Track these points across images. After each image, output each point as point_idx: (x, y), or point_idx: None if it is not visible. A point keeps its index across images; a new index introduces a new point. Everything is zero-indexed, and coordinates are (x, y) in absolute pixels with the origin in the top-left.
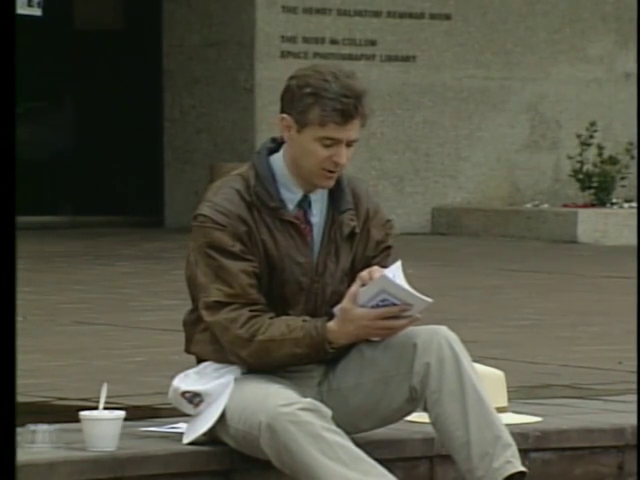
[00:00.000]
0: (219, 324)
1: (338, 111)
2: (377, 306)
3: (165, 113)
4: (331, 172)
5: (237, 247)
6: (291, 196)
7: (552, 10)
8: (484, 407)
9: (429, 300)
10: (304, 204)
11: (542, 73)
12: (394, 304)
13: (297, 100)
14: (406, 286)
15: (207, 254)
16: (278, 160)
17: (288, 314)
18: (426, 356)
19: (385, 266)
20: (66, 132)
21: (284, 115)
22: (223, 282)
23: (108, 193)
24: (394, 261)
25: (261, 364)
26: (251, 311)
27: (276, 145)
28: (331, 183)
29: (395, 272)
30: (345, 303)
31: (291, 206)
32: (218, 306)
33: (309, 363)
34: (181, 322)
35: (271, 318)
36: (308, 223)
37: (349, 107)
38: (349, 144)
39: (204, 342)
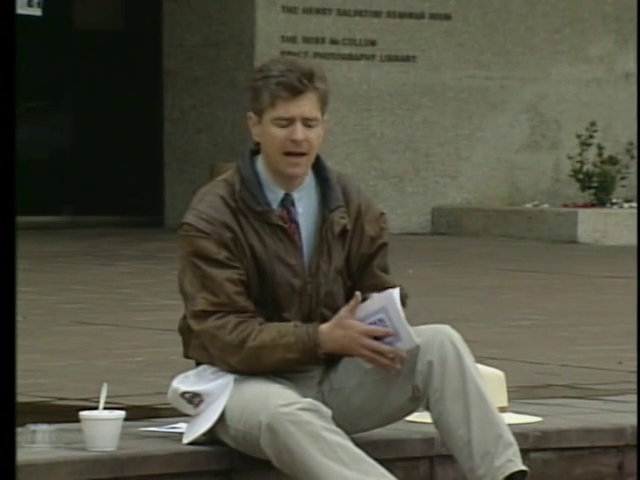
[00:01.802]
0: (206, 332)
1: (282, 85)
2: (372, 324)
3: (165, 113)
4: (294, 155)
5: (222, 255)
6: (273, 196)
7: (552, 10)
8: (486, 406)
9: (417, 342)
10: (287, 203)
11: (542, 73)
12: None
13: (253, 92)
14: (403, 317)
15: (192, 263)
16: (259, 161)
17: (283, 317)
18: (429, 355)
19: (386, 267)
20: (66, 132)
21: (249, 113)
22: (208, 291)
23: (108, 193)
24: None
25: (251, 370)
26: (238, 317)
27: (259, 147)
28: (298, 170)
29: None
30: (343, 311)
31: (274, 206)
32: (204, 315)
33: (300, 369)
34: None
35: (260, 324)
36: (293, 221)
37: (292, 80)
38: (307, 124)
39: (200, 347)
